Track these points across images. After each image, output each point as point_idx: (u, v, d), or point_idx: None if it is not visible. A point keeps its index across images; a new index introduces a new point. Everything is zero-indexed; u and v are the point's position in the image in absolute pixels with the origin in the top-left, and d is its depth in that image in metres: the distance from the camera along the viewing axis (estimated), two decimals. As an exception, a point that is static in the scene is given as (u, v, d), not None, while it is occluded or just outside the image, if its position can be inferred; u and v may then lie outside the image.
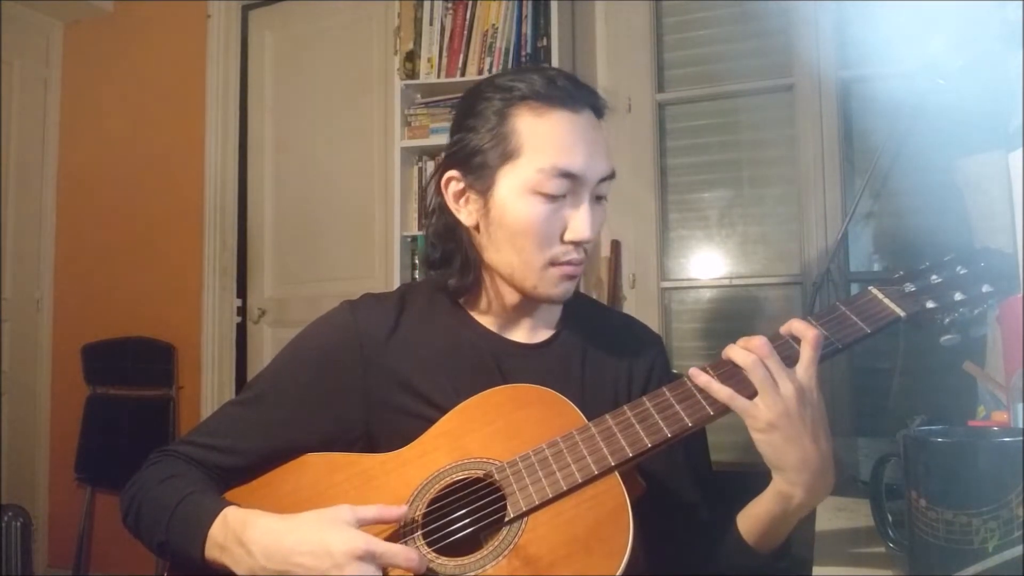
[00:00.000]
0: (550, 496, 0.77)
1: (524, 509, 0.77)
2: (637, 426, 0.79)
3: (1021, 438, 0.64)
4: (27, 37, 3.27)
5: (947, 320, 0.79)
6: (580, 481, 0.77)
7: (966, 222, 1.07)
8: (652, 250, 2.43)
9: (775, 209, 2.35)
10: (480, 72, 2.34)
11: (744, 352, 0.76)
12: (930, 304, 0.79)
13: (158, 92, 3.15)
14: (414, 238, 2.45)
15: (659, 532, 0.83)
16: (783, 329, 0.79)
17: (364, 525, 0.78)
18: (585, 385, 0.95)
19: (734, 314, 2.39)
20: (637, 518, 0.74)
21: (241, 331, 3.05)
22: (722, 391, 0.76)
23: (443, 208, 0.96)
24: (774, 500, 0.79)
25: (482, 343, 0.96)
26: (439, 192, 0.96)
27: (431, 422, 0.88)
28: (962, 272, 0.81)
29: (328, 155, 2.92)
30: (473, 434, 0.85)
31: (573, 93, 0.90)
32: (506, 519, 0.77)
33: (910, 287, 0.81)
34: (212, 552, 0.81)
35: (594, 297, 2.17)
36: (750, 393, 0.76)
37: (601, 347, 0.99)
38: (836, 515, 0.98)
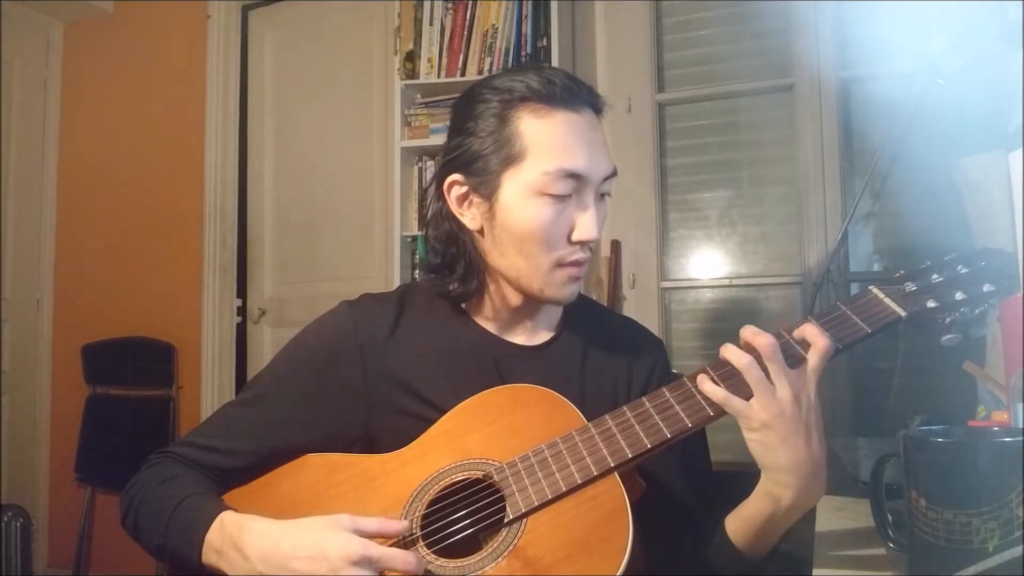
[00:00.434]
0: (550, 497, 0.77)
1: (524, 510, 0.77)
2: (637, 427, 0.79)
3: (1021, 438, 0.64)
4: (27, 37, 3.27)
5: (948, 320, 0.79)
6: (580, 482, 0.77)
7: (966, 222, 1.07)
8: (652, 250, 2.43)
9: (775, 209, 2.35)
10: (480, 72, 2.34)
11: (739, 353, 0.76)
12: (931, 304, 0.79)
13: (158, 92, 3.15)
14: (414, 238, 2.45)
15: (659, 533, 0.83)
16: (796, 333, 0.78)
17: (363, 535, 0.77)
18: (585, 388, 0.95)
19: (734, 314, 2.39)
20: (637, 519, 0.74)
21: (241, 331, 3.05)
22: (717, 391, 0.76)
23: (445, 213, 0.95)
24: (763, 501, 0.79)
25: (482, 344, 0.96)
26: (441, 197, 0.95)
27: (430, 422, 0.88)
28: (963, 271, 0.81)
29: (328, 155, 2.92)
30: (473, 434, 0.85)
31: (573, 92, 0.89)
32: (506, 520, 0.77)
33: (911, 287, 0.81)
34: (209, 556, 0.81)
35: (594, 297, 2.17)
36: (748, 395, 0.75)
37: (601, 350, 0.99)
38: (836, 515, 0.98)
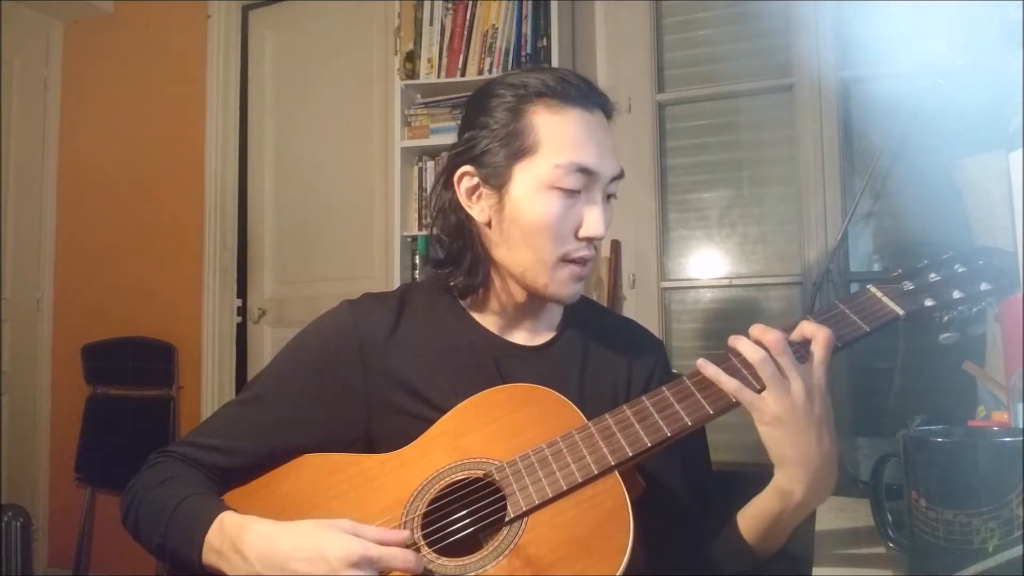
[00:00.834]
0: (550, 496, 0.77)
1: (524, 509, 0.77)
2: (636, 425, 0.79)
3: (1021, 438, 0.64)
4: (27, 37, 3.27)
5: (946, 318, 0.79)
6: (580, 481, 0.77)
7: (966, 222, 1.07)
8: (652, 250, 2.43)
9: (775, 209, 2.35)
10: (480, 72, 2.34)
11: (753, 347, 0.76)
12: (929, 302, 0.79)
13: (158, 92, 3.15)
14: (414, 238, 2.45)
15: (659, 532, 0.83)
16: (796, 332, 0.79)
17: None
18: (585, 388, 0.95)
19: (734, 314, 2.39)
20: (637, 518, 0.74)
21: (241, 331, 3.05)
22: (730, 383, 0.76)
23: (454, 205, 0.95)
24: (774, 496, 0.79)
25: (482, 344, 0.96)
26: (450, 188, 0.95)
27: (430, 422, 0.88)
28: (960, 270, 0.81)
29: (328, 155, 2.92)
30: (473, 434, 0.85)
31: (587, 93, 0.91)
32: (506, 519, 0.77)
33: (909, 285, 0.81)
34: (209, 557, 0.81)
35: (594, 297, 2.17)
36: (757, 387, 0.76)
37: (602, 350, 0.99)
38: (836, 515, 0.98)
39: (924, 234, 2.05)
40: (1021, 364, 0.80)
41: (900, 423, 1.13)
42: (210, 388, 2.99)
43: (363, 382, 0.93)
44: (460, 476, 0.82)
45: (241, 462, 0.92)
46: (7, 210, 3.20)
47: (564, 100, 0.89)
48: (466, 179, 0.94)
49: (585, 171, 0.88)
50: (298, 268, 2.98)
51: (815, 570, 0.81)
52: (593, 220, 0.89)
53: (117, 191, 3.20)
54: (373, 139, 2.81)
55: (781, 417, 0.74)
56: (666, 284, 2.45)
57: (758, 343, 0.77)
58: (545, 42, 2.31)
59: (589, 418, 0.82)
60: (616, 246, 2.42)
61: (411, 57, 2.44)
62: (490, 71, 2.33)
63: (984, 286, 0.79)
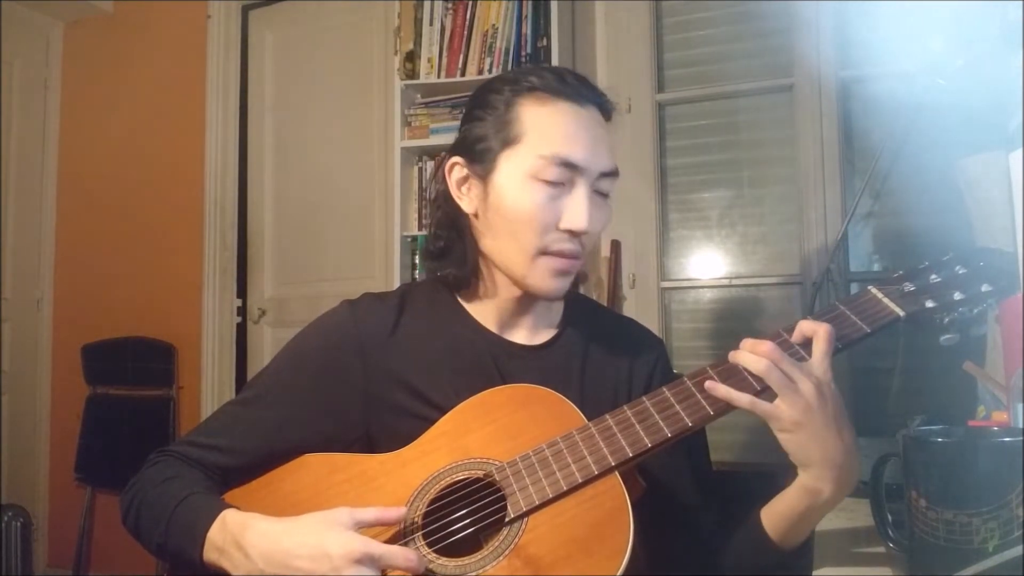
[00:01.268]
0: (550, 496, 0.77)
1: (524, 509, 0.77)
2: (637, 426, 0.79)
3: (1021, 438, 0.64)
4: (27, 37, 3.27)
5: (946, 319, 0.79)
6: (580, 481, 0.77)
7: (966, 222, 1.07)
8: (652, 250, 2.43)
9: (775, 209, 2.35)
10: (480, 72, 2.34)
11: (755, 358, 0.76)
12: (929, 303, 0.79)
13: (158, 92, 3.15)
14: (414, 238, 2.45)
15: (659, 532, 0.83)
16: (795, 336, 0.79)
17: (363, 527, 0.77)
18: (585, 388, 0.95)
19: (734, 314, 2.39)
20: (637, 518, 0.74)
21: (241, 331, 3.05)
22: (743, 398, 0.76)
23: (446, 196, 0.97)
24: (801, 496, 0.78)
25: (482, 344, 0.96)
26: (443, 179, 0.97)
27: (430, 422, 0.88)
28: (961, 271, 0.81)
29: (328, 155, 2.92)
30: (473, 434, 0.85)
31: (580, 89, 0.91)
32: (506, 519, 0.77)
33: (909, 286, 0.81)
34: (210, 555, 0.81)
35: (594, 297, 2.17)
36: (753, 392, 0.76)
37: (602, 349, 0.99)
38: (836, 515, 0.98)
39: (924, 234, 2.04)
40: (1021, 364, 0.80)
41: (900, 423, 1.13)
42: (210, 388, 2.99)
43: (363, 382, 0.93)
44: (460, 476, 0.82)
45: (241, 462, 0.92)
46: (7, 210, 3.20)
47: (555, 94, 0.90)
48: (456, 169, 0.95)
49: (568, 164, 0.88)
50: (298, 268, 2.97)
51: (815, 570, 0.81)
52: (575, 212, 0.88)
53: (117, 191, 3.20)
54: (373, 139, 2.81)
55: (799, 421, 0.74)
56: (666, 284, 2.45)
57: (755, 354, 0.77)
58: (545, 42, 2.30)
59: (589, 418, 0.82)
60: (616, 246, 2.42)
61: (411, 57, 2.44)
62: (490, 71, 2.33)
63: (985, 287, 0.79)
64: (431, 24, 2.42)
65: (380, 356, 0.93)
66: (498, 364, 0.94)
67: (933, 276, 0.81)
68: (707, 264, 2.43)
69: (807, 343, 0.78)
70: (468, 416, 0.87)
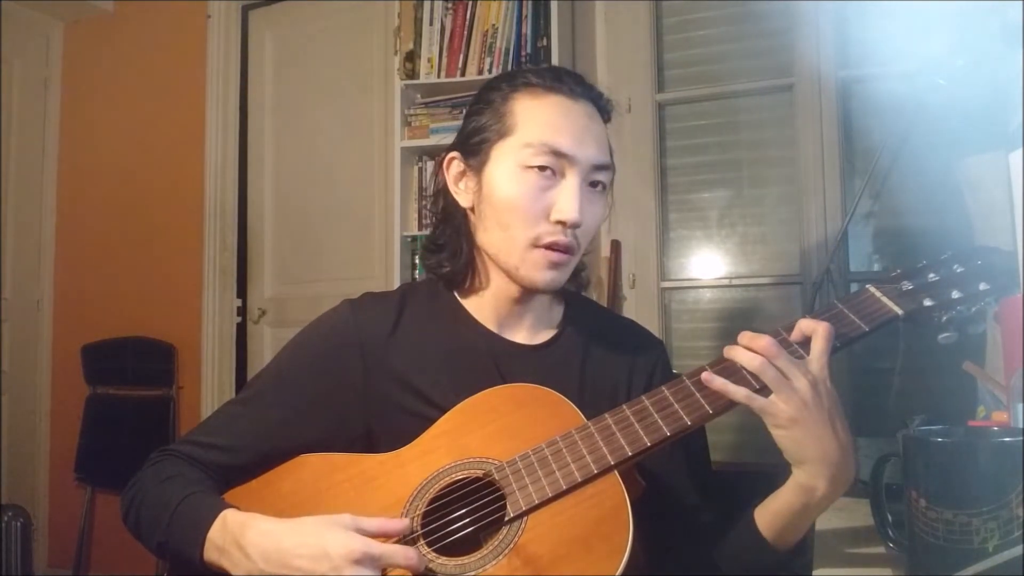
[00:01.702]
0: (550, 495, 0.77)
1: (524, 508, 0.77)
2: (636, 425, 0.79)
3: (1021, 438, 0.64)
4: (27, 37, 3.27)
5: (944, 318, 0.79)
6: (580, 480, 0.77)
7: (966, 222, 1.07)
8: (652, 250, 2.43)
9: (775, 209, 2.35)
10: (480, 72, 2.34)
11: (750, 355, 0.76)
12: (927, 302, 0.79)
13: (158, 92, 3.15)
14: (414, 238, 2.45)
15: (659, 531, 0.83)
16: (794, 335, 0.79)
17: (365, 535, 0.77)
18: (585, 387, 0.95)
19: (734, 314, 2.39)
20: (637, 517, 0.74)
21: (241, 331, 3.05)
22: (739, 392, 0.76)
23: (444, 190, 0.98)
24: (796, 494, 0.78)
25: (482, 343, 0.96)
26: (441, 174, 0.98)
27: (430, 421, 0.88)
28: (959, 270, 0.81)
29: (328, 155, 2.92)
30: (473, 434, 0.85)
31: (573, 86, 0.92)
32: (506, 518, 0.77)
33: (907, 285, 0.81)
34: (211, 554, 0.81)
35: (594, 297, 2.17)
36: (751, 388, 0.76)
37: (602, 350, 0.99)
38: (836, 515, 0.98)
39: (924, 234, 2.05)
40: (1021, 364, 0.80)
41: (900, 423, 1.12)
42: (210, 388, 2.99)
43: (363, 381, 0.93)
44: (460, 475, 0.82)
45: (242, 461, 0.92)
46: (7, 210, 3.20)
47: (548, 89, 0.92)
48: (454, 164, 0.96)
49: (557, 153, 0.88)
50: (298, 268, 2.97)
51: (815, 570, 0.81)
52: (565, 203, 0.88)
53: (117, 191, 3.20)
54: (373, 139, 2.81)
55: (794, 417, 0.74)
56: (666, 284, 2.45)
57: (749, 350, 0.77)
58: (545, 42, 2.30)
59: (589, 418, 0.82)
60: (616, 246, 2.42)
61: (411, 57, 2.44)
62: (490, 71, 2.33)
63: (982, 286, 0.79)
64: (431, 24, 2.42)
65: (380, 355, 0.94)
66: (498, 364, 0.94)
67: (931, 275, 0.81)
68: (707, 264, 2.43)
69: (806, 341, 0.78)
70: (468, 416, 0.87)
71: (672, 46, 2.49)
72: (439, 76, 2.40)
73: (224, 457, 0.92)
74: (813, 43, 2.25)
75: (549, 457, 0.79)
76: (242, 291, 3.07)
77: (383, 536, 0.78)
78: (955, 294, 0.79)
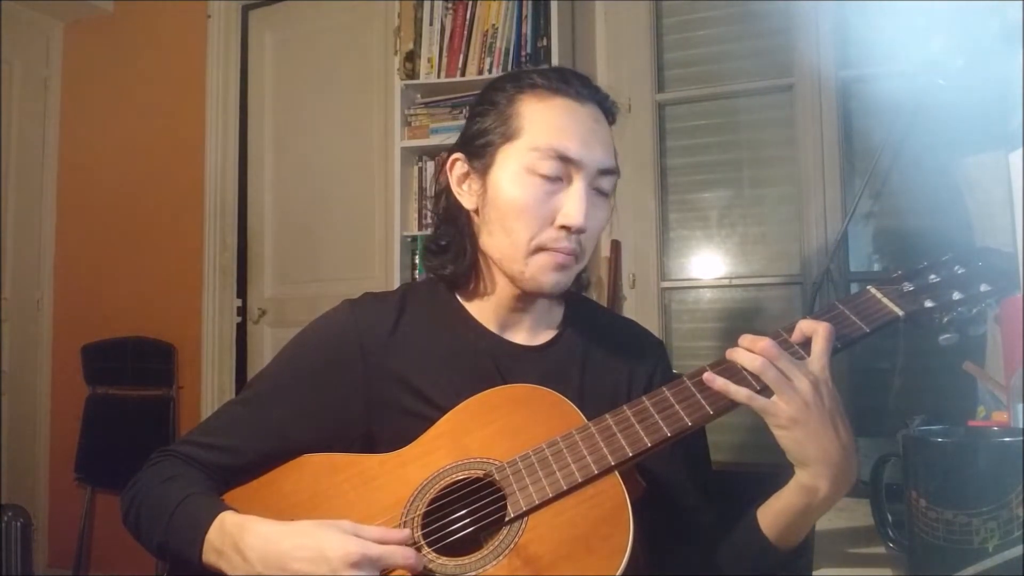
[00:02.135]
0: (550, 496, 0.77)
1: (524, 509, 0.77)
2: (637, 426, 0.79)
3: (1021, 438, 0.64)
4: (27, 37, 3.27)
5: (945, 319, 0.79)
6: (580, 481, 0.77)
7: (966, 222, 1.07)
8: (652, 250, 2.43)
9: (775, 209, 2.35)
10: (480, 72, 2.34)
11: (751, 356, 0.76)
12: (928, 303, 0.79)
13: (158, 92, 3.15)
14: (414, 238, 2.45)
15: (659, 532, 0.83)
16: (795, 336, 0.79)
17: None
18: (585, 389, 0.95)
19: (734, 314, 2.39)
20: (637, 518, 0.74)
21: (241, 331, 3.05)
22: (740, 392, 0.76)
23: (447, 191, 0.97)
24: (798, 494, 0.78)
25: (482, 344, 0.96)
26: (444, 175, 0.97)
27: (431, 422, 0.88)
28: (960, 271, 0.81)
29: (328, 155, 2.92)
30: (473, 434, 0.85)
31: (580, 88, 0.92)
32: (506, 519, 0.77)
33: (908, 286, 0.81)
34: (209, 556, 0.81)
35: (594, 297, 2.17)
36: (752, 389, 0.76)
37: (602, 350, 0.99)
38: (836, 515, 0.98)
39: (924, 234, 2.05)
40: (1021, 364, 0.80)
41: (900, 423, 1.13)
42: (210, 388, 2.99)
43: (364, 381, 0.93)
44: (460, 476, 0.82)
45: (242, 461, 0.92)
46: (7, 210, 3.20)
47: (554, 91, 0.91)
48: (458, 165, 0.96)
49: (564, 158, 0.88)
50: (298, 268, 2.97)
51: (815, 570, 0.81)
52: (571, 208, 0.88)
53: (117, 191, 3.20)
54: (373, 139, 2.81)
55: (796, 418, 0.74)
56: (666, 284, 2.45)
57: (750, 351, 0.77)
58: (545, 42, 2.30)
59: (589, 418, 0.82)
60: (616, 246, 2.42)
61: (411, 57, 2.44)
62: (490, 71, 2.33)
63: (983, 287, 0.79)
64: (431, 24, 2.42)
65: (380, 356, 0.93)
66: (498, 364, 0.94)
67: (932, 276, 0.81)
68: (707, 264, 2.43)
69: (807, 342, 0.78)
70: (468, 416, 0.87)
71: (672, 46, 2.49)
72: (439, 76, 2.40)
73: (224, 458, 0.92)
74: (813, 43, 2.25)
75: (549, 457, 0.79)
76: (242, 291, 3.07)
77: (384, 543, 0.77)
78: (956, 295, 0.79)
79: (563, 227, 0.88)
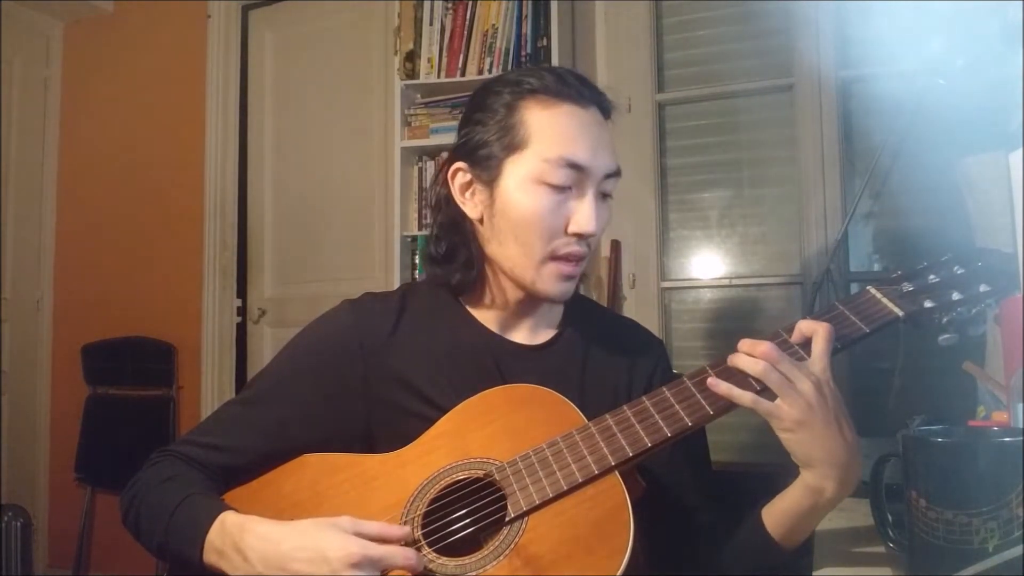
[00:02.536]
0: (550, 496, 0.77)
1: (524, 509, 0.77)
2: (637, 426, 0.79)
3: (1021, 438, 0.64)
4: (27, 37, 3.26)
5: (945, 319, 0.79)
6: (580, 481, 0.77)
7: (966, 222, 1.07)
8: (652, 250, 2.43)
9: (775, 209, 2.35)
10: (480, 72, 2.34)
11: (752, 360, 0.76)
12: (928, 303, 0.79)
13: (158, 92, 3.15)
14: (414, 238, 2.45)
15: (660, 532, 0.83)
16: (794, 336, 0.79)
17: (364, 539, 0.77)
18: (585, 388, 0.95)
19: (734, 314, 2.39)
20: (637, 518, 0.74)
21: (241, 331, 3.05)
22: (745, 396, 0.76)
23: (448, 201, 0.96)
24: (804, 495, 0.78)
25: (482, 343, 0.96)
26: (445, 184, 0.96)
27: (431, 422, 0.88)
28: (959, 272, 0.81)
29: (328, 155, 2.92)
30: (473, 434, 0.85)
31: (581, 90, 0.91)
32: (506, 519, 0.77)
33: (908, 286, 0.81)
34: (210, 557, 0.81)
35: (594, 297, 2.17)
36: (754, 392, 0.76)
37: (602, 350, 0.99)
38: (836, 515, 0.98)
39: (924, 234, 2.05)
40: (1021, 364, 0.80)
41: (900, 423, 1.12)
42: (210, 388, 2.99)
43: (364, 381, 0.93)
44: (460, 476, 0.82)
45: (241, 461, 0.92)
46: (7, 210, 3.20)
47: (557, 96, 0.90)
48: (459, 175, 0.95)
49: (574, 166, 0.88)
50: (298, 268, 2.97)
51: (815, 570, 0.81)
52: (583, 215, 0.88)
53: (117, 191, 3.20)
54: (373, 139, 2.81)
55: (800, 420, 0.74)
56: (666, 284, 2.45)
57: (751, 356, 0.77)
58: (545, 42, 2.31)
59: (589, 416, 0.82)
60: (616, 246, 2.42)
61: (411, 57, 2.44)
62: (490, 71, 2.33)
63: (983, 287, 0.79)
64: (431, 24, 2.42)
65: (380, 356, 0.93)
66: (498, 364, 0.94)
67: (932, 276, 0.81)
68: (707, 264, 2.43)
69: (806, 343, 0.78)
70: (468, 416, 0.87)
71: (672, 46, 2.49)
72: (439, 76, 2.40)
73: (223, 457, 0.92)
74: (813, 43, 2.25)
75: (550, 457, 0.79)
76: (242, 291, 3.07)
77: (383, 541, 0.78)
78: (955, 296, 0.79)
79: (575, 234, 0.89)
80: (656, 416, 0.79)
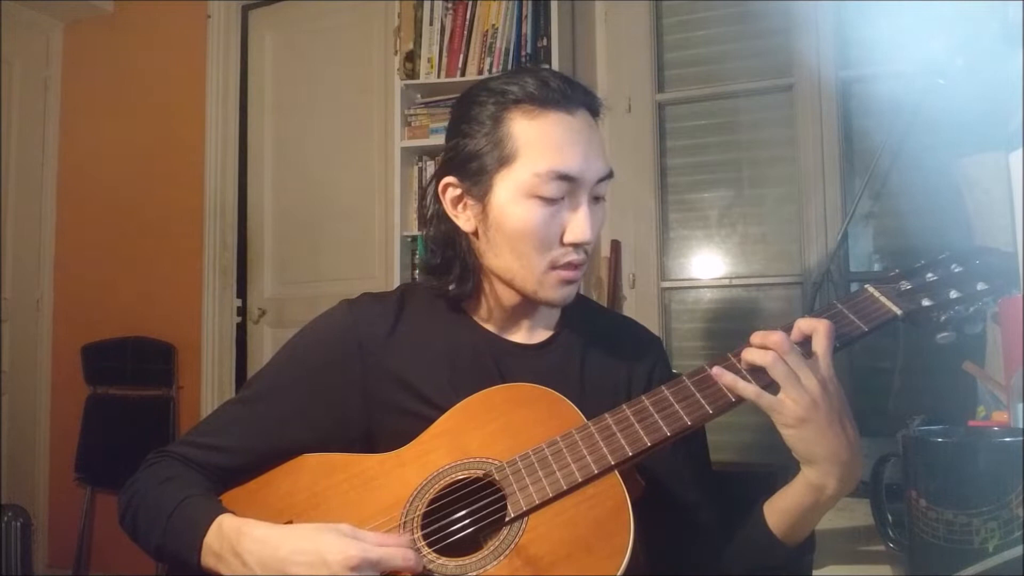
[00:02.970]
0: (550, 496, 0.77)
1: (524, 509, 0.77)
2: (636, 425, 0.79)
3: (1021, 438, 0.64)
4: (27, 37, 3.26)
5: (943, 318, 0.79)
6: (580, 480, 0.77)
7: (966, 222, 1.07)
8: (652, 250, 2.43)
9: (775, 209, 2.35)
10: (480, 72, 2.34)
11: (761, 352, 0.76)
12: (926, 302, 0.79)
13: (158, 92, 3.15)
14: (414, 238, 2.45)
15: (660, 531, 0.83)
16: (794, 335, 0.79)
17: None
18: (584, 387, 0.95)
19: (734, 314, 2.39)
20: (637, 517, 0.74)
21: (241, 331, 3.05)
22: (748, 389, 0.76)
23: (441, 215, 0.95)
24: (806, 492, 0.78)
25: (481, 343, 0.96)
26: (437, 199, 0.96)
27: (430, 421, 0.88)
28: (957, 270, 0.81)
29: (328, 155, 2.92)
30: (472, 433, 0.85)
31: (567, 94, 0.89)
32: (506, 519, 0.77)
33: (906, 285, 0.81)
34: (208, 560, 0.81)
35: (594, 297, 2.17)
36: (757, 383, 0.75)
37: (601, 349, 0.99)
38: (836, 515, 0.98)
39: (925, 234, 2.04)
40: (1021, 364, 0.80)
41: (900, 423, 1.12)
42: (210, 388, 2.99)
43: (362, 381, 0.93)
44: (460, 476, 0.82)
45: (240, 461, 0.92)
46: (7, 210, 3.20)
47: (542, 105, 0.88)
48: (450, 190, 0.93)
49: (566, 178, 0.87)
50: (298, 268, 2.97)
51: (815, 570, 0.81)
52: (578, 225, 0.88)
53: (117, 191, 3.20)
54: (373, 139, 2.81)
55: (803, 416, 0.74)
56: (666, 284, 2.44)
57: (763, 347, 0.76)
58: (545, 42, 2.31)
59: (588, 415, 0.82)
60: (616, 246, 2.42)
61: (411, 57, 2.44)
62: (490, 71, 2.33)
63: (980, 286, 0.79)
64: (431, 24, 2.42)
65: (379, 356, 0.93)
66: (497, 363, 0.94)
67: (929, 274, 0.81)
68: (707, 264, 2.43)
69: (806, 341, 0.78)
70: (467, 415, 0.87)
71: (672, 46, 2.49)
72: (439, 76, 2.40)
73: (222, 458, 0.92)
74: (813, 43, 2.25)
75: (549, 457, 0.79)
76: (242, 291, 3.07)
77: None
78: (953, 294, 0.79)
79: (571, 244, 0.88)
80: (655, 415, 0.79)
